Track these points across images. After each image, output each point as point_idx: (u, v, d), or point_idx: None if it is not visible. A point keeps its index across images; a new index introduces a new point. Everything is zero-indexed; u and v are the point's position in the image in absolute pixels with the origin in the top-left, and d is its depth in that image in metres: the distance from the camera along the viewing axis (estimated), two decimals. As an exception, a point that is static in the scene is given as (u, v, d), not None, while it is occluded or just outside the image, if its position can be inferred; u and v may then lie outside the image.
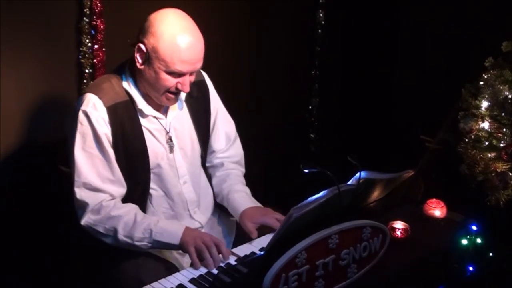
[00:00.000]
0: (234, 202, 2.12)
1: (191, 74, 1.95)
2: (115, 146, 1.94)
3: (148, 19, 1.91)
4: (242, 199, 2.13)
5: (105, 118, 1.92)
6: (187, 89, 1.95)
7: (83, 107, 1.92)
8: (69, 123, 1.96)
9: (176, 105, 2.07)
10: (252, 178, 2.34)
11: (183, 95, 2.07)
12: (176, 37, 1.86)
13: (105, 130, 1.92)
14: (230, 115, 2.28)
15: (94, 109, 1.91)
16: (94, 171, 1.93)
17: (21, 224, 2.44)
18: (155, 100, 1.99)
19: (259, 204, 2.14)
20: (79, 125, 1.92)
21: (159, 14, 1.91)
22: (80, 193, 1.93)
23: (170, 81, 1.91)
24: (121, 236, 1.90)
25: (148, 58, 1.90)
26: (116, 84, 1.98)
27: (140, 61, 1.92)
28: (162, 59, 1.87)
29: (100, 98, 1.93)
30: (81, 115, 1.92)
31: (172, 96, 1.96)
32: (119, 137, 1.94)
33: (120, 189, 1.98)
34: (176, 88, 1.94)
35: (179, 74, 1.91)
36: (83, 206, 1.93)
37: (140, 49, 1.90)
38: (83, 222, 1.93)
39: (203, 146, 2.17)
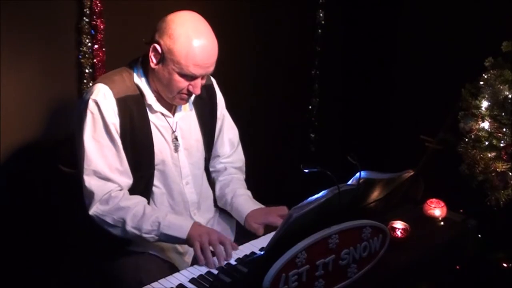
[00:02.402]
0: (238, 206, 2.14)
1: (203, 77, 1.97)
2: (122, 137, 1.95)
3: (164, 20, 1.92)
4: (245, 202, 2.14)
5: (114, 108, 1.93)
6: (198, 91, 1.97)
7: (93, 96, 1.93)
8: (77, 113, 1.96)
9: (184, 105, 2.08)
10: (253, 178, 2.34)
11: (192, 97, 2.08)
12: (192, 40, 1.88)
13: (113, 120, 1.93)
14: (230, 115, 2.28)
15: (104, 99, 1.93)
16: (104, 160, 1.93)
17: (21, 224, 2.44)
18: (167, 100, 2.01)
19: (261, 206, 2.15)
20: (89, 114, 1.93)
21: (176, 16, 1.92)
22: (90, 181, 1.93)
23: (182, 83, 1.93)
24: (129, 227, 1.91)
25: (162, 59, 1.91)
26: (127, 78, 1.99)
27: (154, 61, 1.93)
28: (177, 61, 1.89)
29: (110, 89, 1.94)
30: (91, 104, 1.93)
31: (185, 96, 1.98)
32: (127, 129, 1.95)
33: (128, 180, 1.98)
34: (188, 90, 1.96)
35: (192, 77, 1.93)
36: (91, 195, 1.93)
37: (155, 49, 1.92)
38: (91, 212, 1.93)
39: (207, 149, 2.18)
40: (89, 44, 2.48)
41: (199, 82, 1.96)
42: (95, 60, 2.49)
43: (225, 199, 2.19)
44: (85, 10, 2.44)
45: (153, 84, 1.99)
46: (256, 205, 2.14)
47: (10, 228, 2.41)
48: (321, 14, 3.43)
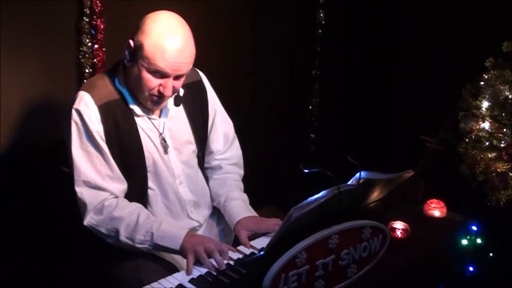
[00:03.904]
0: (230, 211, 2.11)
1: (176, 78, 1.92)
2: (109, 143, 1.93)
3: (143, 18, 1.91)
4: (238, 208, 2.11)
5: (97, 116, 1.91)
6: (169, 93, 1.92)
7: (75, 106, 1.92)
8: (65, 122, 1.96)
9: (170, 106, 2.05)
10: (252, 178, 2.33)
11: (171, 104, 2.04)
12: (163, 36, 1.84)
13: (97, 128, 1.91)
14: (230, 115, 2.27)
15: (86, 108, 1.91)
16: (93, 168, 1.93)
17: (21, 224, 2.43)
18: (141, 102, 1.97)
19: (254, 213, 2.12)
20: (73, 124, 1.92)
21: (153, 14, 1.91)
22: (81, 191, 1.92)
23: (152, 82, 1.89)
24: (122, 237, 1.90)
25: (134, 55, 1.89)
26: (110, 82, 1.97)
27: (128, 58, 1.91)
28: (145, 56, 1.85)
29: (92, 96, 1.92)
30: (74, 114, 1.92)
31: (155, 98, 1.93)
32: (113, 135, 1.94)
33: (121, 186, 1.97)
34: (159, 91, 1.91)
35: (162, 75, 1.88)
36: (85, 206, 1.92)
37: (129, 46, 1.90)
38: (85, 222, 1.92)
39: (200, 147, 2.16)
40: (89, 44, 2.48)
41: (170, 83, 1.90)
42: (95, 60, 2.49)
43: (218, 201, 2.17)
44: (85, 10, 2.44)
45: (129, 85, 1.96)
46: (249, 212, 2.10)
47: (10, 228, 2.41)
48: (321, 14, 3.43)
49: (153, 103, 1.95)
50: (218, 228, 2.22)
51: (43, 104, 2.44)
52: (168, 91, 1.91)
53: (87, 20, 2.45)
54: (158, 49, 1.84)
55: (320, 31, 3.45)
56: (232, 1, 3.01)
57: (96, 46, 2.48)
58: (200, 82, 2.17)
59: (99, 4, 2.45)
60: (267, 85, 3.30)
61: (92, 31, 2.47)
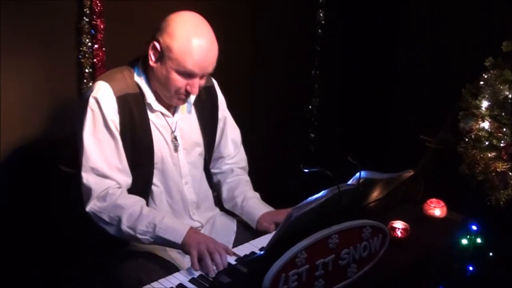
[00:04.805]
0: (250, 209, 2.15)
1: (201, 77, 1.96)
2: (122, 135, 1.95)
3: (166, 19, 1.93)
4: (256, 205, 2.16)
5: (114, 106, 1.93)
6: (196, 91, 1.97)
7: (93, 94, 1.94)
8: (79, 110, 1.97)
9: (184, 106, 2.08)
10: (252, 178, 2.34)
11: (192, 98, 2.08)
12: (191, 38, 1.88)
13: (113, 118, 1.93)
14: (230, 114, 2.29)
15: (104, 96, 1.93)
16: (103, 157, 1.94)
17: (21, 224, 2.44)
18: (165, 100, 2.01)
19: (272, 209, 2.16)
20: (89, 111, 1.93)
21: (177, 15, 1.93)
22: (87, 178, 1.93)
23: (180, 82, 1.93)
24: (124, 226, 1.90)
25: (161, 57, 1.92)
26: (128, 76, 1.99)
27: (153, 59, 1.94)
28: (174, 58, 1.89)
29: (111, 86, 1.94)
30: (91, 101, 1.93)
31: (183, 96, 1.98)
32: (127, 128, 1.96)
33: (126, 179, 1.98)
34: (186, 90, 1.96)
35: (190, 75, 1.92)
36: (89, 192, 1.93)
37: (154, 47, 1.92)
38: (88, 208, 1.93)
39: (207, 150, 2.18)
40: (89, 44, 2.48)
41: (197, 82, 1.95)
42: (95, 60, 2.50)
43: (234, 202, 2.20)
44: (85, 10, 2.44)
45: (153, 83, 2.00)
46: (267, 208, 2.15)
47: (10, 228, 2.41)
48: (321, 14, 3.44)
49: (179, 100, 2.00)
50: (218, 229, 2.22)
51: (43, 104, 2.44)
52: (195, 90, 1.96)
53: (87, 20, 2.46)
54: (187, 51, 1.88)
55: (320, 31, 3.45)
56: (232, 1, 3.01)
57: (96, 46, 2.49)
58: (213, 87, 2.20)
59: (99, 4, 2.46)
60: (267, 85, 3.31)
61: (92, 31, 2.47)
